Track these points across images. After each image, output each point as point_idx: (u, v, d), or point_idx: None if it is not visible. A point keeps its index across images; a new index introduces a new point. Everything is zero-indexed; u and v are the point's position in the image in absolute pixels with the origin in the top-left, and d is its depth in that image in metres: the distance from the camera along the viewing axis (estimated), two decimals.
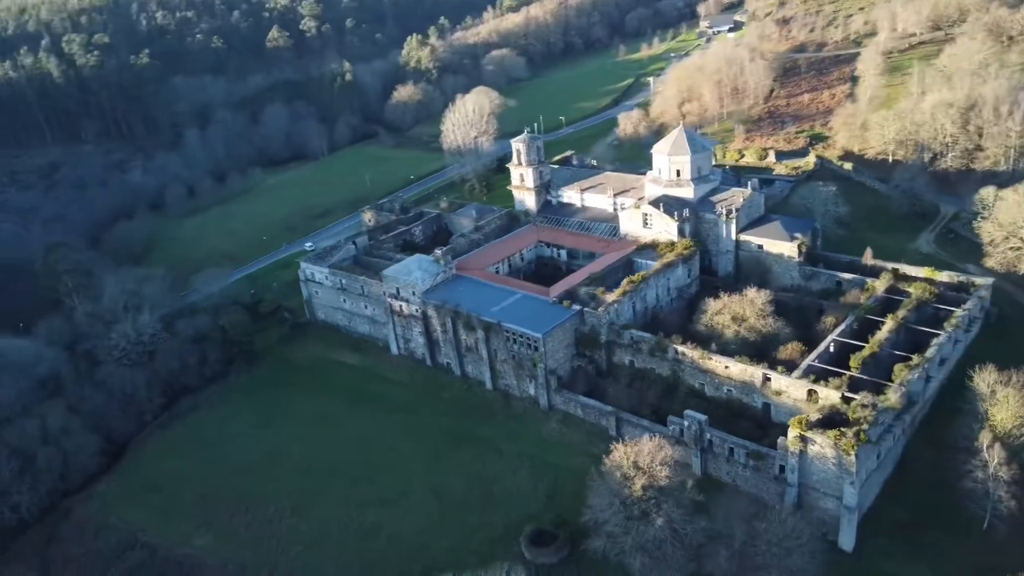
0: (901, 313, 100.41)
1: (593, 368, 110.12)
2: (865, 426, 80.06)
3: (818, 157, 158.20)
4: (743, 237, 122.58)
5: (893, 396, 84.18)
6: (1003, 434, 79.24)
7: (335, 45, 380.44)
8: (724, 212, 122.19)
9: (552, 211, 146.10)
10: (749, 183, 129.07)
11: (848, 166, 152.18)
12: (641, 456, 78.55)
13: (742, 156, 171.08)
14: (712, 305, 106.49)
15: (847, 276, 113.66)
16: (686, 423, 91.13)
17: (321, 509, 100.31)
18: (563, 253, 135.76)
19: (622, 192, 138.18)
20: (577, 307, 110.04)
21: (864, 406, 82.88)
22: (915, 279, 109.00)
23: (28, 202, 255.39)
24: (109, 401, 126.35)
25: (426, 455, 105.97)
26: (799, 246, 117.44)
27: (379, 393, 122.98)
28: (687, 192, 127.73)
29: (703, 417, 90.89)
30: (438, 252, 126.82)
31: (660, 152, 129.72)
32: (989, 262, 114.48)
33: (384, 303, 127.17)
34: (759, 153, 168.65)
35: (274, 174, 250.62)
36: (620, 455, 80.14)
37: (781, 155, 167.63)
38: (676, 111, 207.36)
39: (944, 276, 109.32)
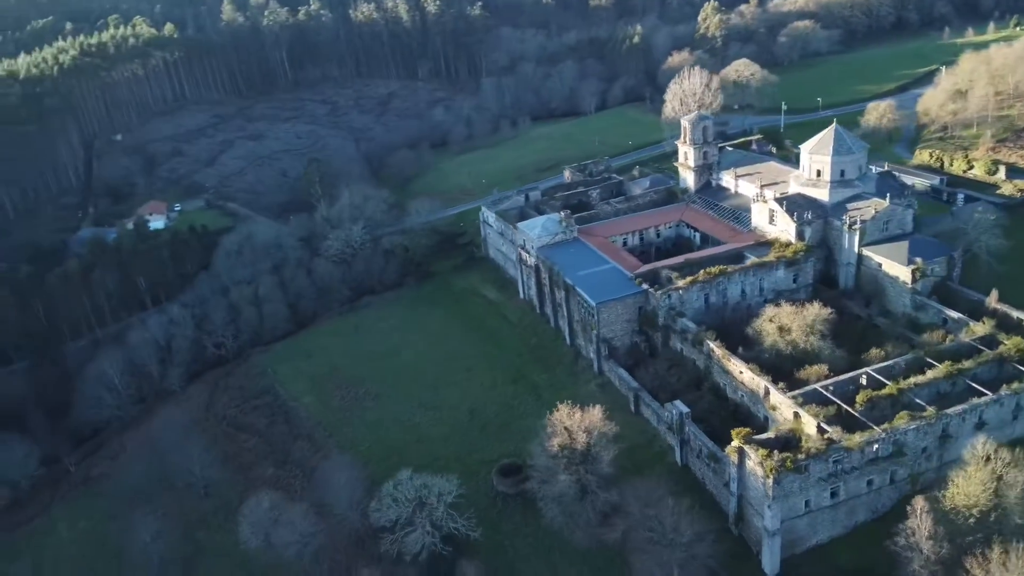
0: (967, 364, 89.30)
1: (647, 346, 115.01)
2: (802, 456, 77.75)
3: None
4: (865, 252, 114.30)
5: (857, 439, 78.90)
6: (949, 508, 71.00)
7: (656, 7, 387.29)
8: (848, 222, 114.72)
9: (708, 192, 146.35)
10: (905, 192, 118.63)
11: None
12: (573, 420, 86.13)
13: (970, 167, 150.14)
14: (767, 311, 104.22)
15: (954, 315, 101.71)
16: (674, 412, 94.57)
17: (391, 402, 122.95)
18: (697, 236, 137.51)
19: (770, 184, 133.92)
20: (645, 286, 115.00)
21: (824, 440, 79.68)
22: None
23: (363, 123, 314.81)
24: (311, 286, 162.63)
25: (486, 382, 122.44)
26: (914, 271, 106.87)
27: (492, 326, 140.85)
28: (822, 194, 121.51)
29: (685, 409, 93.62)
30: (562, 214, 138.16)
31: (805, 149, 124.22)
32: None
33: (517, 251, 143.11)
34: (988, 167, 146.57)
35: (541, 126, 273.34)
36: (559, 415, 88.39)
37: (1016, 173, 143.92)
38: (939, 108, 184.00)
39: None
